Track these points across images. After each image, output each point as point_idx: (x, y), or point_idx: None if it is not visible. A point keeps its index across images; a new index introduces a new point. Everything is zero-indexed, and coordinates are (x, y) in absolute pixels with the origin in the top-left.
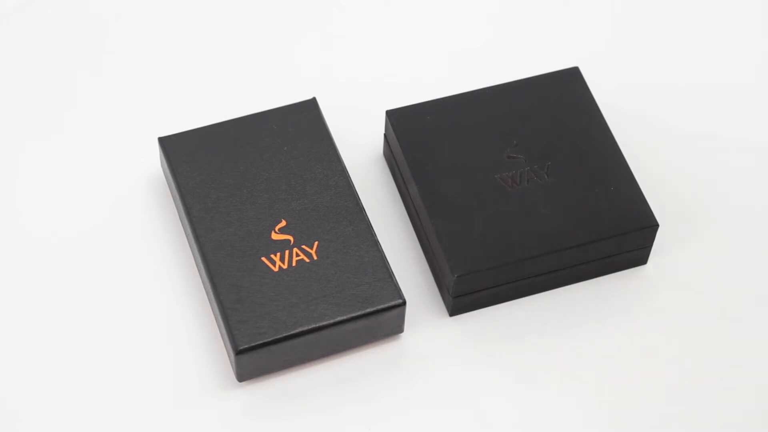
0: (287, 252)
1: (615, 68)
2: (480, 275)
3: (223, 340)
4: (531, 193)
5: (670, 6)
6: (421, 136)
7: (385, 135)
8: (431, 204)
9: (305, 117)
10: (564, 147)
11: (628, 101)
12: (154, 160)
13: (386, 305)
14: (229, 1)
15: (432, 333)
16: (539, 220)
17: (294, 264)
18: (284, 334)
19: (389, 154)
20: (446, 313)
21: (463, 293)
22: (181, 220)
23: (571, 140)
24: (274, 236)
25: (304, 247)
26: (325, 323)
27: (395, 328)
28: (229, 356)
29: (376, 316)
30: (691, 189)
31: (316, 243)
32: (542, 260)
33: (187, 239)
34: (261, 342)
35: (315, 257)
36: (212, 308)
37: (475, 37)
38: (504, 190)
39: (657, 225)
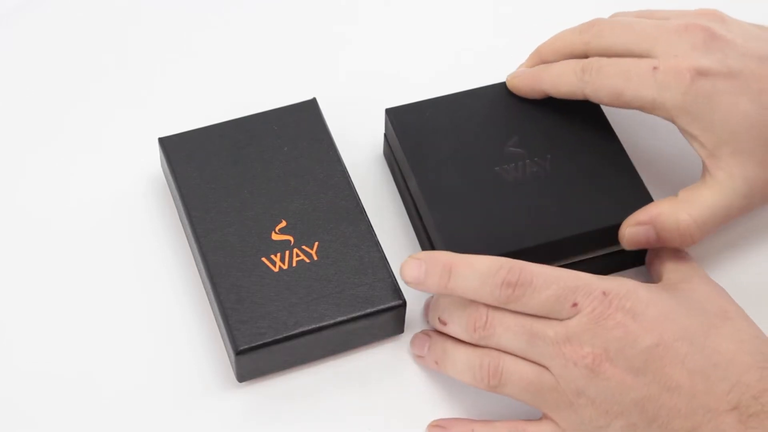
0: (287, 252)
1: None
2: None
3: (223, 340)
4: (531, 184)
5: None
6: (420, 133)
7: (385, 135)
8: (431, 197)
9: (305, 117)
10: (564, 141)
11: None
12: (154, 160)
13: (386, 306)
14: (229, 2)
15: None
16: (539, 210)
17: (294, 264)
18: (284, 335)
19: (389, 153)
20: None
21: None
22: (181, 220)
23: (571, 134)
24: (274, 236)
25: (304, 247)
26: (325, 323)
27: (395, 329)
28: (229, 356)
29: (376, 317)
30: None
31: (316, 243)
32: (542, 250)
33: (187, 239)
34: (261, 342)
35: (315, 257)
36: (212, 308)
37: (475, 37)
38: (504, 182)
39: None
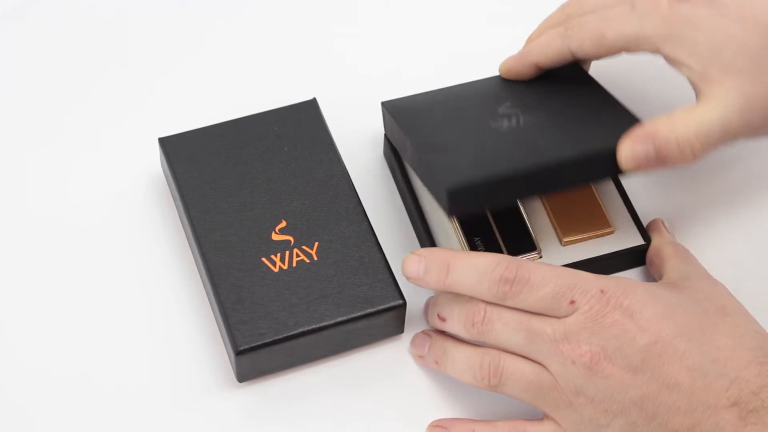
0: (287, 252)
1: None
2: (473, 191)
3: (223, 341)
4: (526, 130)
5: None
6: (417, 116)
7: (385, 135)
8: (424, 151)
9: (305, 117)
10: (557, 100)
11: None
12: (154, 160)
13: (386, 306)
14: (228, 3)
15: None
16: (536, 143)
17: (294, 264)
18: (284, 335)
19: (389, 151)
20: None
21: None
22: (181, 220)
23: (563, 94)
24: (275, 237)
25: (304, 247)
26: (325, 324)
27: (395, 329)
28: (229, 356)
29: (376, 317)
30: None
31: (317, 243)
32: (538, 177)
33: (187, 239)
34: (261, 342)
35: (315, 258)
36: (212, 308)
37: (475, 38)
38: (499, 132)
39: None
